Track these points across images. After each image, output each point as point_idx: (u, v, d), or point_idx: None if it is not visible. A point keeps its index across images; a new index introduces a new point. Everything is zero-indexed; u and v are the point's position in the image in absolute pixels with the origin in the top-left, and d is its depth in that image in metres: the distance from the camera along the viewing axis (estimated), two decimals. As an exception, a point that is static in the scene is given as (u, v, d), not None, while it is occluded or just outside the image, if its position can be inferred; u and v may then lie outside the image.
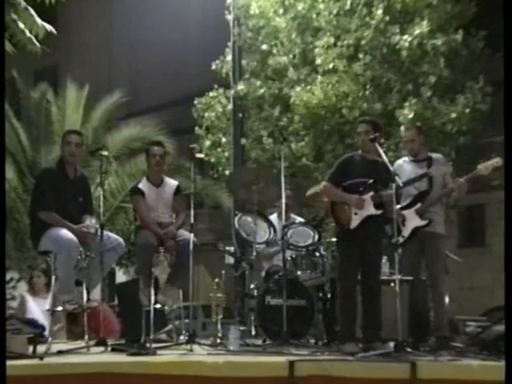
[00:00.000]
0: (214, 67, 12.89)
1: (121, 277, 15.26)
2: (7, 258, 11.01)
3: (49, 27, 7.06)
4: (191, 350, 5.14)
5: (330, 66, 11.22)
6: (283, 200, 6.06)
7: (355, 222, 5.55)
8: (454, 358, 4.89)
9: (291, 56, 11.98)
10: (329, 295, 6.32)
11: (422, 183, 6.00)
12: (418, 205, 5.93)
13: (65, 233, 5.38)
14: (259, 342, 5.90)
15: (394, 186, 5.25)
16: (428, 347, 5.55)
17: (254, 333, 6.19)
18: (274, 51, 12.05)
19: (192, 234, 5.68)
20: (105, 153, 6.17)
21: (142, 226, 6.07)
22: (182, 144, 11.43)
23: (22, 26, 6.90)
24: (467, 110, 10.60)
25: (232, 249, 7.80)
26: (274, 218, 6.94)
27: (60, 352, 5.00)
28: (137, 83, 20.31)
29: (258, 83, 12.06)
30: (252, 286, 6.40)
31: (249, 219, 6.54)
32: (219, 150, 12.73)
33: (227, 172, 11.97)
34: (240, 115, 11.86)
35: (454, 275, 7.19)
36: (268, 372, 4.45)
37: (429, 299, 6.01)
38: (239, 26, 12.17)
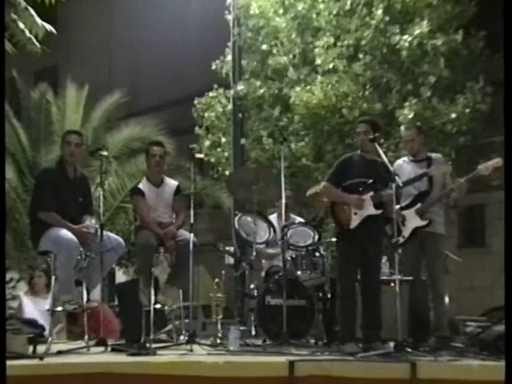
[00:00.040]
0: (213, 67, 12.89)
1: (121, 277, 15.27)
2: (7, 257, 11.01)
3: (49, 27, 7.06)
4: (191, 350, 5.14)
5: (330, 66, 11.22)
6: (283, 200, 6.06)
7: (355, 221, 5.55)
8: (454, 358, 4.88)
9: (291, 56, 11.98)
10: (329, 295, 6.32)
11: (422, 183, 6.00)
12: (418, 205, 5.93)
13: (65, 233, 5.38)
14: (259, 342, 5.90)
15: (393, 185, 5.25)
16: (428, 347, 5.55)
17: (253, 333, 6.19)
18: (274, 51, 12.05)
19: (192, 234, 5.68)
20: (105, 153, 6.17)
21: (142, 226, 6.07)
22: (181, 144, 11.43)
23: (22, 25, 6.90)
24: (467, 110, 10.60)
25: (232, 249, 7.80)
26: (274, 218, 6.94)
27: (60, 352, 5.00)
28: (137, 83, 20.32)
29: (258, 83, 12.06)
30: (252, 286, 6.40)
31: (249, 219, 6.54)
32: (219, 150, 12.73)
33: (227, 172, 11.97)
34: (240, 115, 11.87)
35: (454, 275, 7.19)
36: (268, 372, 4.45)
37: (429, 299, 6.01)
38: (239, 26, 12.18)
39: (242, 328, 6.01)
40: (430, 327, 5.94)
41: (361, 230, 5.52)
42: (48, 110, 13.77)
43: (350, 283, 5.54)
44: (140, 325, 5.39)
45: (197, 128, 13.13)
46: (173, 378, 4.43)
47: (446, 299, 6.03)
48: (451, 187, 5.96)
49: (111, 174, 12.87)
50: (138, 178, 7.75)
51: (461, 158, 10.54)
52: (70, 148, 5.65)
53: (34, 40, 7.03)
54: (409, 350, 5.04)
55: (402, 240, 5.86)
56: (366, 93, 11.19)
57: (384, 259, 6.02)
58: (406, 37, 10.74)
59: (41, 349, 4.99)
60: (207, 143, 12.79)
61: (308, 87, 11.26)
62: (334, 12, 11.46)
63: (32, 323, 6.00)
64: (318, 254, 6.54)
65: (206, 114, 12.94)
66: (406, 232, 5.92)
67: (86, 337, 5.44)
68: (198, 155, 6.49)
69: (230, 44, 12.26)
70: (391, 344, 5.32)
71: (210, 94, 13.05)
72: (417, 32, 10.68)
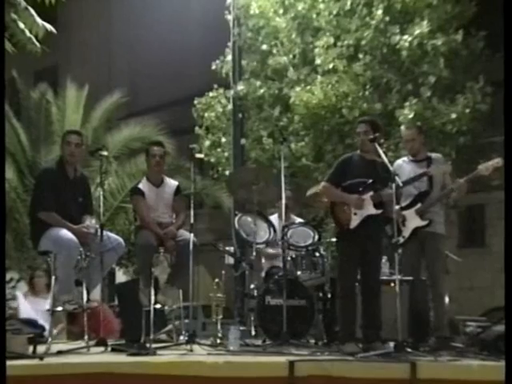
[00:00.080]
0: (213, 67, 12.89)
1: (121, 277, 15.28)
2: (7, 258, 11.01)
3: (49, 27, 7.06)
4: (191, 350, 5.14)
5: (330, 66, 11.22)
6: (283, 200, 6.06)
7: (355, 221, 5.55)
8: (454, 358, 4.89)
9: (291, 56, 11.97)
10: (329, 295, 6.32)
11: (422, 183, 6.00)
12: (419, 205, 5.93)
13: (65, 233, 5.38)
14: (259, 342, 5.90)
15: (393, 185, 5.25)
16: (428, 347, 5.55)
17: (253, 333, 6.19)
18: (274, 51, 12.05)
19: (192, 234, 5.68)
20: (105, 153, 6.17)
21: (142, 226, 6.07)
22: (181, 144, 11.43)
23: (22, 25, 6.91)
24: (467, 110, 10.60)
25: (232, 249, 7.79)
26: (274, 218, 6.94)
27: (60, 352, 5.01)
28: (137, 83, 20.33)
29: (258, 83, 12.05)
30: (252, 286, 6.40)
31: (249, 219, 6.54)
32: (219, 150, 12.73)
33: (227, 172, 11.97)
34: (240, 115, 11.86)
35: (454, 275, 7.18)
36: (268, 372, 4.45)
37: (429, 299, 6.01)
38: (239, 26, 12.17)
39: (241, 328, 6.01)
40: (430, 327, 5.94)
41: (361, 230, 5.52)
42: (48, 110, 13.77)
43: (349, 283, 5.54)
44: (140, 325, 5.39)
45: (197, 128, 13.13)
46: (173, 377, 4.43)
47: (446, 299, 6.03)
48: (451, 187, 5.97)
49: (111, 174, 12.87)
50: (138, 178, 7.75)
51: (461, 158, 10.54)
52: (70, 148, 5.65)
53: (34, 40, 7.03)
54: (409, 350, 5.05)
55: (402, 240, 5.86)
56: (366, 93, 11.19)
57: (384, 259, 6.02)
58: (406, 37, 10.74)
59: (41, 349, 5.00)
60: (207, 143, 12.79)
61: (308, 87, 11.26)
62: (334, 12, 11.46)
63: (32, 323, 6.01)
64: (318, 254, 6.54)
65: (206, 114, 12.94)
66: (407, 232, 5.92)
67: (86, 337, 5.45)
68: (198, 155, 6.49)
69: (230, 44, 12.26)
70: (391, 344, 5.32)
71: (210, 94, 13.05)
72: (417, 32, 10.68)
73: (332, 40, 11.30)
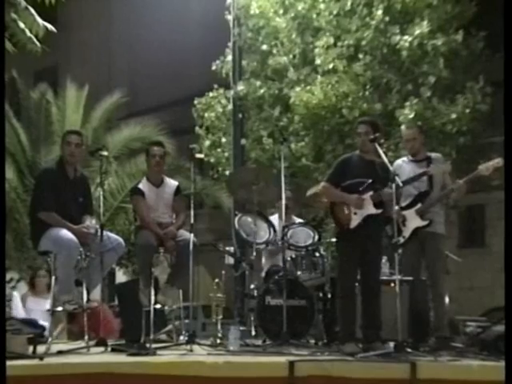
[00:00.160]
0: (214, 67, 12.88)
1: (121, 277, 15.28)
2: (7, 258, 11.02)
3: (49, 26, 7.06)
4: (191, 351, 5.15)
5: (330, 66, 11.22)
6: (283, 200, 6.05)
7: (355, 221, 5.55)
8: (454, 358, 4.89)
9: (291, 56, 11.97)
10: (329, 295, 6.32)
11: (422, 183, 5.99)
12: (419, 205, 5.93)
13: (65, 233, 5.38)
14: (259, 342, 5.91)
15: (393, 185, 5.25)
16: (428, 347, 5.55)
17: (253, 333, 6.19)
18: (274, 51, 12.05)
19: (192, 234, 5.68)
20: (105, 153, 6.17)
21: (142, 226, 6.07)
22: (181, 144, 11.43)
23: (22, 25, 6.90)
24: (467, 111, 10.60)
25: (232, 249, 7.79)
26: (274, 218, 6.94)
27: (60, 352, 5.01)
28: (137, 83, 20.34)
29: (258, 83, 12.05)
30: (252, 286, 6.40)
31: (249, 219, 6.54)
32: (219, 150, 12.73)
33: (227, 172, 11.96)
34: (240, 115, 11.86)
35: (454, 275, 7.18)
36: (268, 372, 4.45)
37: (429, 299, 6.01)
38: (239, 26, 12.17)
39: (241, 328, 6.01)
40: (430, 327, 5.94)
41: (361, 230, 5.52)
42: (48, 110, 13.79)
43: (349, 283, 5.54)
44: (140, 325, 5.39)
45: (197, 128, 13.13)
46: (173, 378, 4.43)
47: (446, 299, 6.02)
48: (451, 187, 5.97)
49: (111, 174, 12.88)
50: (138, 178, 7.75)
51: (461, 158, 10.54)
52: (70, 148, 5.64)
53: (35, 39, 7.03)
54: (409, 350, 5.05)
55: (402, 240, 5.87)
56: (366, 93, 11.19)
57: (384, 259, 6.02)
58: (406, 37, 10.74)
59: (41, 349, 5.00)
60: (207, 143, 12.78)
61: (308, 87, 11.26)
62: (335, 12, 11.46)
63: (32, 323, 6.01)
64: (318, 254, 6.55)
65: (206, 114, 12.94)
66: (407, 232, 5.92)
67: (86, 337, 5.45)
68: (198, 155, 6.49)
69: (230, 44, 12.26)
70: (391, 344, 5.32)
71: (210, 94, 13.04)
72: (417, 32, 10.68)
73: (332, 40, 11.30)
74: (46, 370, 4.40)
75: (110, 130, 13.93)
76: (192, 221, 5.75)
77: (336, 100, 11.15)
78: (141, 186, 6.20)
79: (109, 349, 5.40)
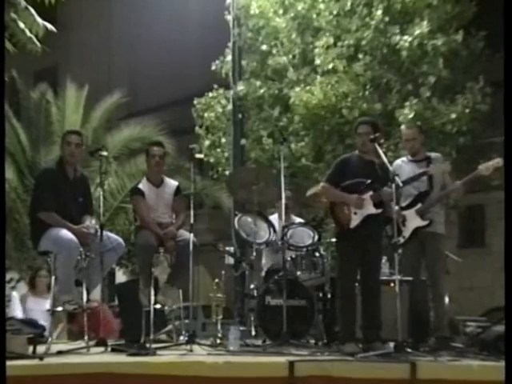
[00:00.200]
0: (213, 67, 12.87)
1: (121, 277, 15.28)
2: (7, 258, 11.02)
3: (49, 26, 7.05)
4: (191, 351, 5.15)
5: (330, 66, 11.21)
6: (283, 200, 6.05)
7: (355, 221, 5.55)
8: (454, 358, 4.89)
9: (291, 56, 11.97)
10: (329, 295, 6.32)
11: (422, 183, 5.99)
12: (419, 205, 5.93)
13: (65, 233, 5.38)
14: (259, 342, 5.91)
15: (393, 185, 5.26)
16: (428, 347, 5.55)
17: (253, 333, 6.19)
18: (274, 51, 12.04)
19: (192, 235, 5.68)
20: (104, 153, 6.17)
21: (142, 226, 6.07)
22: (181, 144, 11.43)
23: (22, 25, 6.89)
24: (467, 111, 10.60)
25: (232, 249, 7.79)
26: (274, 218, 6.94)
27: (60, 352, 5.01)
28: (137, 83, 20.33)
29: (258, 83, 12.04)
30: (252, 286, 6.40)
31: (249, 219, 6.54)
32: (219, 150, 12.72)
33: (227, 172, 11.96)
34: (240, 115, 11.87)
35: (454, 275, 7.19)
36: (268, 372, 4.45)
37: (429, 299, 6.01)
38: (239, 26, 12.17)
39: (241, 328, 6.01)
40: (429, 327, 5.94)
41: (361, 230, 5.52)
42: (48, 110, 13.80)
43: (349, 283, 5.54)
44: (140, 325, 5.39)
45: (197, 128, 13.12)
46: (173, 378, 4.43)
47: (446, 299, 6.03)
48: (449, 189, 5.98)
49: (111, 175, 12.89)
50: (138, 178, 7.75)
51: (461, 158, 10.54)
52: (70, 148, 5.64)
53: (35, 39, 7.03)
54: (409, 350, 5.05)
55: (402, 240, 5.87)
56: (366, 93, 11.18)
57: (384, 259, 6.02)
58: (406, 37, 10.73)
59: (41, 349, 5.00)
60: (207, 143, 12.78)
61: (308, 87, 11.25)
62: (334, 12, 11.45)
63: (32, 323, 6.01)
64: (317, 255, 6.55)
65: (206, 115, 12.93)
66: (407, 232, 5.92)
67: (86, 337, 5.45)
68: (198, 155, 6.48)
69: (229, 44, 12.26)
70: (391, 344, 5.32)
71: (210, 94, 13.04)
72: (417, 32, 10.67)
73: (332, 40, 11.29)
74: (45, 370, 4.40)
75: (110, 130, 13.94)
76: (192, 221, 5.75)
77: (336, 100, 11.15)
78: (141, 186, 6.20)
79: (109, 349, 5.40)
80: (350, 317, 5.48)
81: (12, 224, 12.12)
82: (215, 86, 12.98)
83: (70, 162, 5.67)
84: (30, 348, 4.91)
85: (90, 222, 5.57)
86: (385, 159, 5.44)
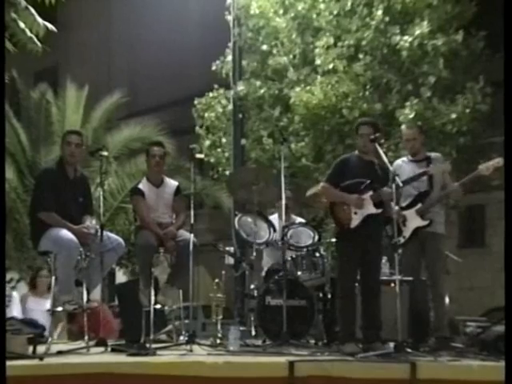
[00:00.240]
0: (214, 68, 12.87)
1: (121, 277, 15.29)
2: (7, 258, 11.02)
3: (50, 26, 7.04)
4: (191, 351, 5.14)
5: (330, 66, 11.21)
6: (283, 200, 6.05)
7: (355, 221, 5.55)
8: (454, 358, 4.89)
9: (291, 56, 11.97)
10: (329, 295, 6.32)
11: (422, 183, 5.99)
12: (419, 205, 5.93)
13: (65, 233, 5.38)
14: (259, 342, 5.91)
15: (393, 185, 5.26)
16: (428, 347, 5.55)
17: (253, 333, 6.19)
18: (274, 51, 12.05)
19: (192, 235, 5.68)
20: (105, 153, 6.17)
21: (142, 226, 6.06)
22: (181, 144, 11.43)
23: (22, 25, 6.89)
24: (467, 111, 10.60)
25: (232, 249, 7.79)
26: (274, 218, 6.94)
27: (60, 352, 5.01)
28: (137, 83, 20.34)
29: (258, 83, 12.05)
30: (252, 286, 6.40)
31: (249, 219, 6.54)
32: (219, 150, 12.73)
33: (227, 172, 11.96)
34: (240, 116, 11.87)
35: (454, 275, 7.19)
36: (268, 372, 4.45)
37: (429, 299, 6.00)
38: (239, 26, 12.17)
39: (241, 328, 6.01)
40: (429, 327, 5.94)
41: (361, 230, 5.52)
42: (48, 110, 13.80)
43: (349, 283, 5.54)
44: (140, 325, 5.40)
45: (197, 128, 13.12)
46: (173, 378, 4.43)
47: (446, 299, 6.02)
48: (449, 190, 5.98)
49: (111, 175, 12.89)
50: (138, 178, 7.75)
51: (461, 158, 10.54)
52: (70, 148, 5.64)
53: (35, 39, 7.02)
54: (409, 350, 5.04)
55: (402, 240, 5.87)
56: (366, 93, 11.19)
57: (384, 259, 6.02)
58: (406, 37, 10.73)
59: (41, 349, 5.00)
60: (207, 143, 12.78)
61: (308, 87, 11.26)
62: (335, 12, 11.45)
63: (32, 323, 6.01)
64: (318, 255, 6.55)
65: (206, 115, 12.93)
66: (407, 232, 5.92)
67: (86, 337, 5.45)
68: (198, 155, 6.48)
69: (230, 44, 12.26)
70: (391, 344, 5.32)
71: (210, 94, 13.04)
72: (417, 32, 10.68)
73: (332, 40, 11.29)
74: (45, 370, 4.40)
75: (110, 130, 13.95)
76: (192, 221, 5.75)
77: (336, 100, 11.15)
78: (141, 186, 6.20)
79: (109, 349, 5.40)
80: (350, 317, 5.49)
81: (12, 224, 12.12)
82: (215, 86, 12.98)
83: (70, 162, 5.67)
84: (30, 348, 4.91)
85: (91, 222, 5.57)
86: (385, 159, 5.44)
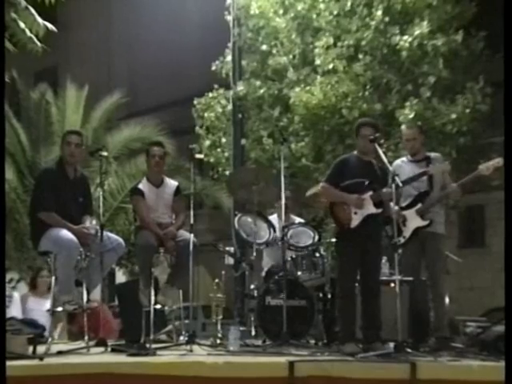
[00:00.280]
0: (213, 68, 12.88)
1: (121, 277, 15.29)
2: (7, 258, 11.02)
3: (50, 26, 7.04)
4: (191, 351, 5.14)
5: (330, 66, 11.21)
6: (283, 201, 6.05)
7: (356, 221, 5.55)
8: (454, 358, 4.89)
9: (291, 56, 11.97)
10: (329, 296, 6.32)
11: (422, 183, 5.99)
12: (419, 205, 5.93)
13: (65, 233, 5.38)
14: (259, 342, 5.91)
15: (393, 185, 5.26)
16: (428, 348, 5.55)
17: (253, 333, 6.19)
18: (274, 51, 12.05)
19: (192, 235, 5.68)
20: (104, 153, 6.17)
21: (142, 226, 6.06)
22: (181, 144, 11.43)
23: (22, 25, 6.89)
24: (467, 111, 10.60)
25: (232, 249, 7.79)
26: (273, 218, 6.94)
27: (60, 352, 5.01)
28: (137, 83, 20.34)
29: (258, 84, 12.05)
30: (252, 286, 6.40)
31: (249, 220, 6.53)
32: (219, 150, 12.73)
33: (227, 172, 11.96)
34: (240, 116, 11.88)
35: (454, 275, 7.19)
36: (268, 372, 4.45)
37: (429, 299, 6.00)
38: (239, 26, 12.17)
39: (241, 328, 6.01)
40: (430, 328, 5.94)
41: (361, 230, 5.52)
42: (48, 110, 13.79)
43: (349, 283, 5.54)
44: (140, 325, 5.40)
45: (197, 128, 13.12)
46: (173, 378, 4.43)
47: (446, 299, 6.02)
48: (448, 191, 5.98)
49: (111, 175, 12.88)
50: (138, 178, 7.74)
51: (461, 158, 10.54)
52: (70, 148, 5.64)
53: (35, 39, 7.02)
54: (409, 350, 5.04)
55: (402, 240, 5.87)
56: (366, 93, 11.18)
57: (384, 259, 6.02)
58: (406, 37, 10.74)
59: (41, 349, 5.00)
60: (207, 143, 12.78)
61: (308, 88, 11.26)
62: (335, 12, 11.45)
63: (32, 323, 6.00)
64: (318, 255, 6.55)
65: (206, 115, 12.93)
66: (407, 232, 5.92)
67: (86, 337, 5.45)
68: (198, 155, 6.49)
69: (229, 44, 12.27)
70: (391, 344, 5.32)
71: (210, 94, 13.04)
72: (417, 32, 10.68)
73: (332, 40, 11.29)
74: (45, 371, 4.40)
75: (110, 130, 13.94)
76: (192, 221, 5.75)
77: (336, 100, 11.15)
78: (141, 186, 6.20)
79: (109, 349, 5.40)
80: (349, 317, 5.48)
81: (12, 224, 12.11)
82: (215, 86, 12.98)
83: (70, 162, 5.67)
84: (30, 348, 4.91)
85: (91, 223, 5.57)
86: (385, 160, 5.44)
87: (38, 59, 8.26)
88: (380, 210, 5.56)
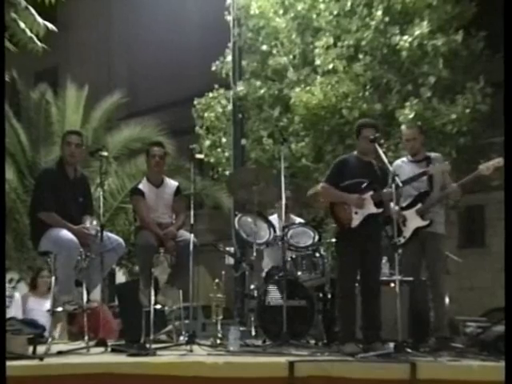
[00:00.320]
0: (214, 68, 12.89)
1: (121, 277, 15.29)
2: (7, 258, 11.02)
3: (50, 26, 7.05)
4: (191, 351, 5.14)
5: (330, 66, 11.22)
6: (283, 201, 6.05)
7: (356, 221, 5.54)
8: (454, 358, 4.89)
9: (291, 56, 11.98)
10: (329, 296, 6.32)
11: (422, 183, 5.99)
12: (419, 205, 5.93)
13: (65, 233, 5.38)
14: (259, 342, 5.91)
15: (393, 185, 5.26)
16: (428, 348, 5.55)
17: (253, 333, 6.18)
18: (274, 52, 12.05)
19: (192, 235, 5.68)
20: (105, 153, 6.17)
21: (142, 226, 6.06)
22: (181, 144, 11.45)
23: (22, 25, 6.89)
24: (467, 111, 10.60)
25: (232, 249, 7.79)
26: (274, 218, 6.94)
27: (60, 352, 5.01)
28: (137, 83, 20.35)
29: (258, 84, 12.05)
30: (252, 286, 6.40)
31: (249, 220, 6.53)
32: (219, 150, 12.73)
33: (227, 172, 11.97)
34: (240, 116, 11.88)
35: (454, 276, 7.19)
36: (268, 372, 4.45)
37: (429, 300, 6.00)
38: (239, 26, 12.18)
39: (241, 328, 6.00)
40: (430, 328, 5.93)
41: (362, 230, 5.52)
42: (48, 110, 13.80)
43: (349, 283, 5.54)
44: (140, 325, 5.40)
45: (197, 128, 13.13)
46: (173, 378, 4.43)
47: (446, 300, 6.02)
48: (448, 191, 5.98)
49: (111, 175, 12.88)
50: (138, 178, 7.75)
51: (461, 158, 10.54)
52: (70, 148, 5.64)
53: (35, 39, 7.02)
54: (409, 350, 5.03)
55: (403, 240, 5.87)
56: (366, 93, 11.19)
57: (384, 259, 6.02)
58: (406, 37, 10.74)
59: (41, 349, 5.00)
60: (207, 143, 12.79)
61: (308, 88, 11.26)
62: (335, 12, 11.46)
63: (32, 323, 6.01)
64: (318, 255, 6.54)
65: (206, 115, 12.94)
66: (407, 232, 5.92)
67: (86, 337, 5.45)
68: (198, 156, 6.49)
69: (230, 45, 12.27)
70: (391, 344, 5.32)
71: (210, 94, 13.05)
72: (417, 33, 10.68)
73: (332, 40, 11.30)
74: (46, 371, 4.40)
75: (110, 131, 13.95)
76: (192, 221, 5.74)
77: (336, 100, 11.15)
78: (141, 186, 6.20)
79: (109, 349, 5.40)
80: (349, 317, 5.48)
81: (12, 224, 12.12)
82: (215, 87, 12.99)
83: (70, 163, 5.67)
84: (30, 348, 4.91)
85: (91, 223, 5.56)
86: (385, 160, 5.43)
87: (38, 59, 8.26)
88: (380, 210, 5.56)
